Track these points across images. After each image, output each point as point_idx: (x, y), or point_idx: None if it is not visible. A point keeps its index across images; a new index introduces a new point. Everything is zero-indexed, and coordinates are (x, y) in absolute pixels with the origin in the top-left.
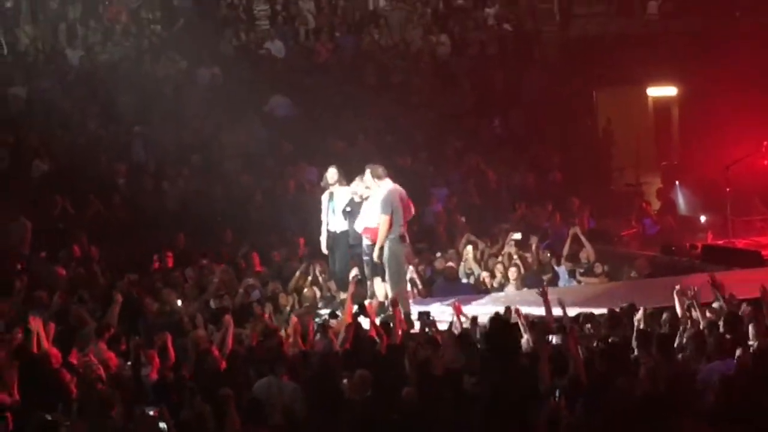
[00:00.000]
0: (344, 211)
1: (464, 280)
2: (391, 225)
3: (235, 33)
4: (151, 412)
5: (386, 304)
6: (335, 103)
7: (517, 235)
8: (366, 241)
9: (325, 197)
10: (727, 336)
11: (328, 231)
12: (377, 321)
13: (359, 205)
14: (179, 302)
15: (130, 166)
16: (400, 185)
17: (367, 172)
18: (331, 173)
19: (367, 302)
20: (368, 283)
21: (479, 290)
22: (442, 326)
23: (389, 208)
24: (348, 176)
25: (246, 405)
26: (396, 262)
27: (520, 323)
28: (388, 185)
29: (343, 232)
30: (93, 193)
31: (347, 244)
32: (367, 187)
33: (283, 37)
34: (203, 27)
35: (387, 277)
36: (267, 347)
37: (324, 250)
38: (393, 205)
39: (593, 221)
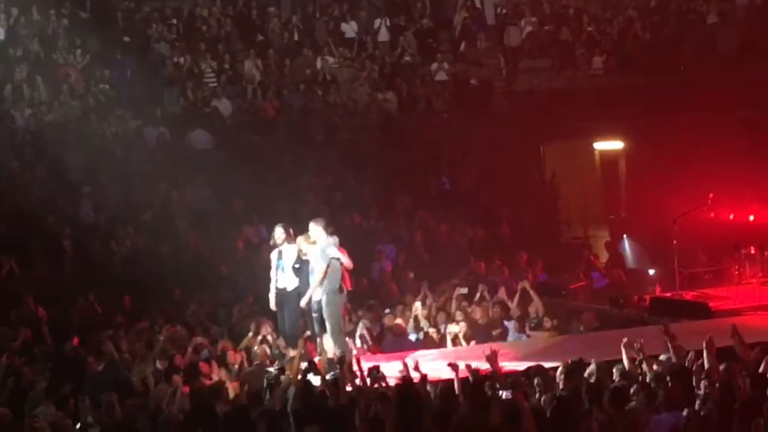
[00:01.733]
0: (293, 268)
1: (413, 336)
2: (325, 275)
3: (182, 92)
4: None
5: (333, 362)
6: (283, 161)
7: (463, 290)
8: (315, 297)
9: (274, 255)
10: (676, 388)
11: (277, 288)
12: (327, 377)
13: (307, 262)
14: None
15: (78, 226)
16: (349, 242)
17: (312, 225)
18: (278, 232)
19: (317, 359)
20: (318, 339)
21: (428, 346)
22: (392, 382)
23: (327, 260)
24: (296, 234)
25: None
26: (334, 313)
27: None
28: (328, 239)
29: (293, 290)
30: (40, 253)
31: (297, 301)
32: (313, 242)
33: (230, 95)
34: (150, 86)
35: (328, 330)
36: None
37: (273, 307)
38: (331, 256)
39: (542, 275)
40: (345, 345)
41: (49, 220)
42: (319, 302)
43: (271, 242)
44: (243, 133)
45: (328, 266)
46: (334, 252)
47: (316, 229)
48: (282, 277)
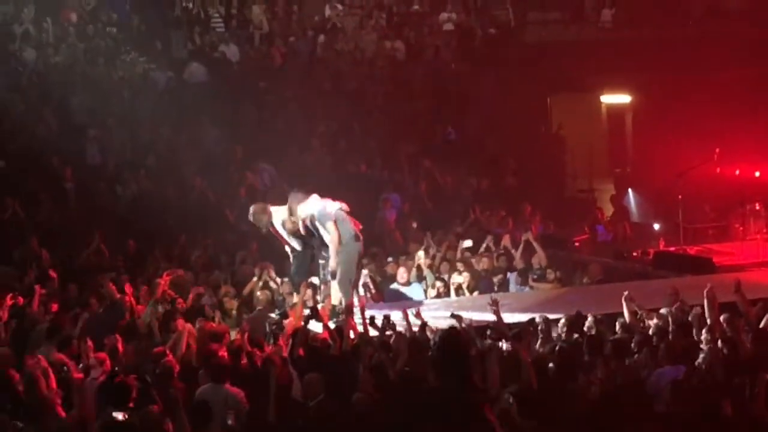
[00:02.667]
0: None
1: (416, 285)
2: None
3: (190, 36)
4: (120, 416)
5: (337, 308)
6: (289, 108)
7: (468, 242)
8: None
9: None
10: (678, 341)
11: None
12: (330, 325)
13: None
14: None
15: (83, 169)
16: (353, 190)
17: (293, 204)
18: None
19: (320, 306)
20: (322, 286)
21: (431, 295)
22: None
23: (332, 217)
24: (300, 181)
25: (193, 408)
26: (347, 260)
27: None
28: (314, 201)
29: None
30: (45, 195)
31: (305, 251)
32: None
33: (238, 41)
34: (158, 30)
35: (337, 277)
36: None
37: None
38: (332, 213)
39: (546, 227)
40: (351, 293)
41: (53, 162)
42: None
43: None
44: (250, 78)
45: (335, 221)
46: (331, 204)
47: (298, 204)
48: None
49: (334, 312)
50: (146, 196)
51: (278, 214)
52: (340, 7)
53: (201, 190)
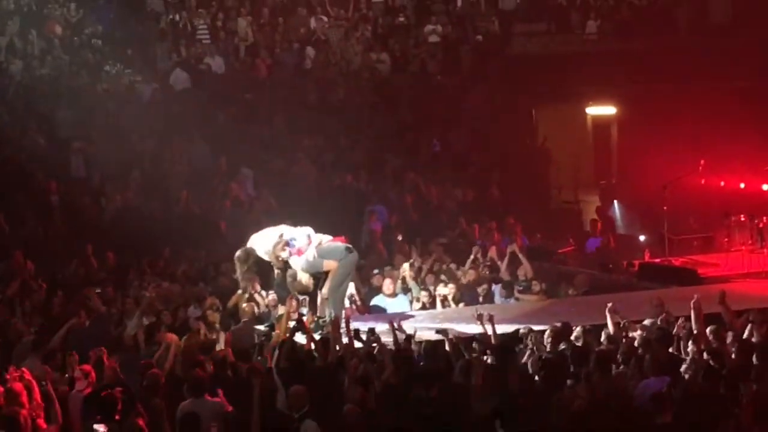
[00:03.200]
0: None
1: (401, 297)
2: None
3: (175, 48)
4: (101, 429)
5: (320, 321)
6: (275, 121)
7: (443, 240)
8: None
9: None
10: (662, 353)
11: None
12: (316, 337)
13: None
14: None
15: (68, 182)
16: (339, 203)
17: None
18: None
19: (305, 318)
20: (307, 298)
21: (416, 307)
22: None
23: (319, 263)
24: (285, 194)
25: (182, 420)
26: (342, 275)
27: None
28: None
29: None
30: (29, 208)
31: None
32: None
33: (223, 53)
34: (143, 42)
35: (328, 289)
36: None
37: None
38: (320, 250)
39: (531, 238)
40: (341, 305)
41: (38, 175)
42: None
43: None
44: (235, 91)
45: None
46: (321, 239)
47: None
48: None
49: (317, 324)
50: (131, 209)
51: (263, 246)
52: (325, 19)
53: (186, 202)
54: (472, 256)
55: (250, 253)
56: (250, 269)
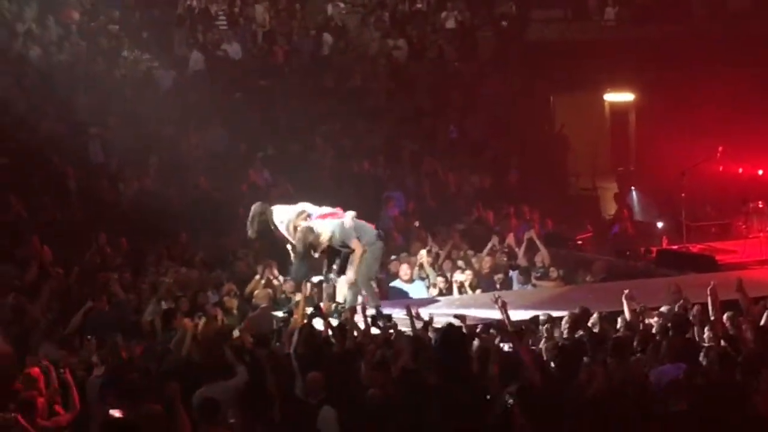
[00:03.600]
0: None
1: (418, 283)
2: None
3: (192, 34)
4: (117, 414)
5: (338, 307)
6: (292, 107)
7: (460, 225)
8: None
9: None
10: (679, 339)
11: None
12: (333, 323)
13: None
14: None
15: (86, 167)
16: (356, 189)
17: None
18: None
19: (322, 303)
20: (325, 284)
21: (433, 294)
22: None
23: (351, 234)
24: (303, 180)
25: (201, 404)
26: (372, 262)
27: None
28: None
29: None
30: (47, 193)
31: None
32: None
33: (240, 39)
34: (160, 27)
35: (357, 277)
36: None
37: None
38: (351, 226)
39: (549, 225)
40: (371, 290)
41: (55, 160)
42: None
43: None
44: (253, 77)
45: (357, 237)
46: (346, 217)
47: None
48: None
49: (336, 310)
50: (149, 194)
51: (281, 214)
52: (342, 5)
53: (204, 188)
54: (489, 244)
55: (265, 212)
56: (261, 230)
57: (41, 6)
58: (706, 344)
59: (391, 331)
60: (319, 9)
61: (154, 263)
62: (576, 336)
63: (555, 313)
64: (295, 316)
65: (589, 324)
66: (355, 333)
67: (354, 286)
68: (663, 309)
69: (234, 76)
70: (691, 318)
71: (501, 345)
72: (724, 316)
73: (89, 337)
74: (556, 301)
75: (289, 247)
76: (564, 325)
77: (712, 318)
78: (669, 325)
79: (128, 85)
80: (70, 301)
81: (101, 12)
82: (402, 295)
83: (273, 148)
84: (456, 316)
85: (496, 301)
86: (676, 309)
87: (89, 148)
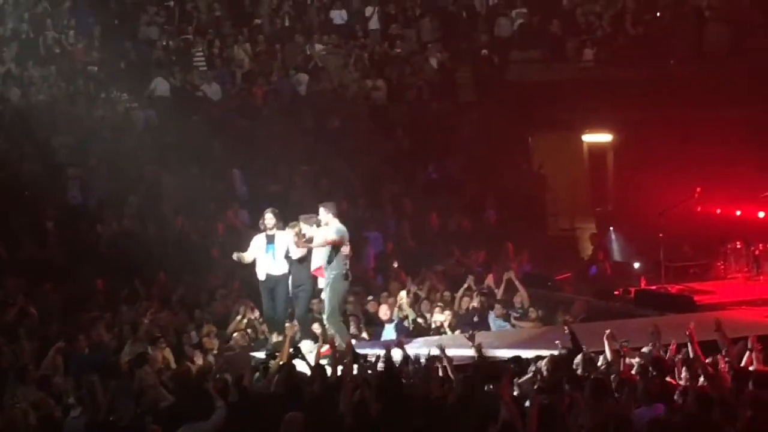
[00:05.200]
0: (287, 257)
1: (397, 323)
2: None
3: (171, 75)
4: None
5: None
6: (271, 147)
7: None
8: (320, 283)
9: (260, 239)
10: (655, 380)
11: (267, 275)
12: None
13: (307, 252)
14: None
15: (64, 208)
16: None
17: (322, 210)
18: (269, 217)
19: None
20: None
21: (412, 334)
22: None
23: (340, 234)
24: (284, 221)
25: None
26: (336, 299)
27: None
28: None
29: (281, 275)
30: (25, 234)
31: (286, 286)
32: (326, 224)
33: (220, 80)
34: (139, 68)
35: (327, 314)
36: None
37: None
38: (343, 239)
39: (528, 266)
40: (343, 330)
41: (34, 201)
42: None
43: (261, 226)
44: (231, 118)
45: (339, 240)
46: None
47: (326, 214)
48: (272, 263)
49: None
50: (127, 235)
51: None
52: (322, 46)
53: (182, 229)
54: (465, 284)
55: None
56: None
57: (21, 47)
58: (683, 384)
59: (369, 370)
60: (298, 50)
61: (132, 304)
62: (557, 377)
63: (535, 354)
64: (278, 357)
65: (574, 364)
66: (338, 372)
67: (331, 321)
68: (644, 350)
69: (213, 116)
70: (667, 359)
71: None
72: (702, 357)
73: (68, 378)
74: (537, 341)
75: (260, 276)
76: (546, 366)
77: (691, 358)
78: (648, 366)
79: (107, 126)
80: (48, 343)
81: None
82: (380, 335)
83: (251, 188)
84: (437, 348)
85: (470, 338)
86: (655, 350)
87: (68, 188)
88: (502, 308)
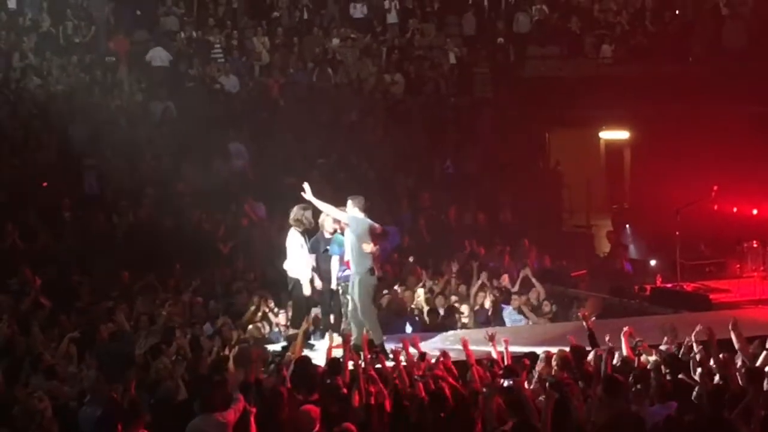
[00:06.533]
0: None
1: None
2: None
3: (189, 67)
4: None
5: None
6: (288, 140)
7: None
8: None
9: (298, 237)
10: (668, 379)
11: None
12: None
13: (328, 241)
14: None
15: (80, 199)
16: None
17: (350, 202)
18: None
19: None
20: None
21: (429, 327)
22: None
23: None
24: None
25: None
26: (367, 296)
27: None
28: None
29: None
30: (41, 224)
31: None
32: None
33: (238, 72)
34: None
35: (360, 312)
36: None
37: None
38: (360, 232)
39: (547, 262)
40: (376, 325)
41: (51, 191)
42: (346, 284)
43: (303, 223)
44: (249, 110)
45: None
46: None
47: (352, 207)
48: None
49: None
50: (143, 226)
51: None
52: (340, 40)
53: (198, 221)
54: (480, 281)
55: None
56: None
57: (39, 37)
58: (698, 383)
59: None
60: (317, 43)
61: (148, 295)
62: (568, 373)
63: (550, 349)
64: (290, 351)
65: (588, 361)
66: (351, 366)
67: (367, 318)
68: (662, 347)
69: (231, 108)
70: (681, 356)
71: (501, 381)
72: (719, 355)
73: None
74: (551, 337)
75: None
76: (555, 362)
77: (706, 357)
78: (662, 364)
79: (124, 116)
80: (62, 332)
81: (101, 44)
82: (398, 328)
83: (269, 181)
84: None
85: (490, 338)
86: (671, 348)
87: (84, 179)
88: (518, 301)
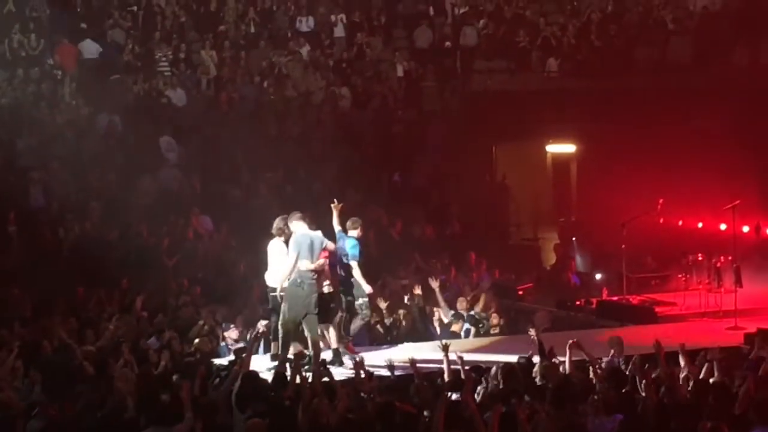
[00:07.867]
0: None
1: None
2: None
3: (135, 81)
4: None
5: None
6: (235, 153)
7: (404, 281)
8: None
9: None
10: (614, 391)
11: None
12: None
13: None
14: None
15: (26, 212)
16: None
17: (295, 222)
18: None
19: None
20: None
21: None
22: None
23: (294, 252)
24: (245, 227)
25: None
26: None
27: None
28: (300, 230)
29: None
30: None
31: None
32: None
33: (185, 85)
34: (105, 73)
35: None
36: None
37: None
38: (299, 249)
39: (496, 275)
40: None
41: None
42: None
43: (285, 232)
44: (196, 123)
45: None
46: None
47: (295, 223)
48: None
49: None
50: (89, 240)
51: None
52: (287, 53)
53: (144, 234)
54: (406, 297)
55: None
56: None
57: None
58: (643, 395)
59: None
60: (264, 56)
61: (95, 309)
62: (514, 386)
63: (497, 360)
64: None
65: (534, 373)
66: (297, 380)
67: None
68: (604, 360)
69: (177, 122)
70: (627, 370)
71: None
72: (662, 368)
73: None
74: (498, 350)
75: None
76: (501, 374)
77: (651, 369)
78: (607, 376)
79: (70, 129)
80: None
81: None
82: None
83: (216, 194)
84: (387, 366)
85: (444, 348)
86: (615, 361)
87: (30, 192)
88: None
